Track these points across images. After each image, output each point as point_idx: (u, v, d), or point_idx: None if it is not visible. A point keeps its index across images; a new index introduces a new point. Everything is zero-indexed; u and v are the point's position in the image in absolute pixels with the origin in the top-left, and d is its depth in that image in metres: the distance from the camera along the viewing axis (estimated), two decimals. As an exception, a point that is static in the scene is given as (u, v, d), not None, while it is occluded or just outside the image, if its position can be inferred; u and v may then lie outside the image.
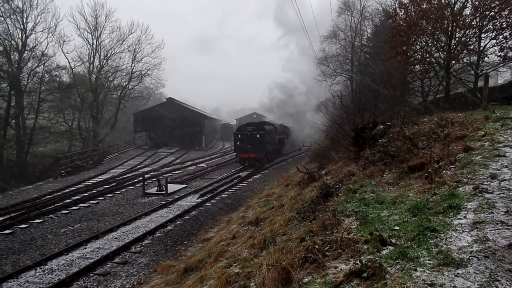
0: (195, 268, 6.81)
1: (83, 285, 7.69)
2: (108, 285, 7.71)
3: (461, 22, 14.41)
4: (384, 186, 5.88)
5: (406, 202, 4.64)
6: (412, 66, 16.79)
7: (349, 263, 3.22)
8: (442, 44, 15.70)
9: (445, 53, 15.50)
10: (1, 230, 11.55)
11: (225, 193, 17.04)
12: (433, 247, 3.12)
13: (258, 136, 25.23)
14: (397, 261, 2.99)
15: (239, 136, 25.79)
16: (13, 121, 28.34)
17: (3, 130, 26.85)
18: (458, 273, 2.67)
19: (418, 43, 16.54)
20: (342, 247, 3.61)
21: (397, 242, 3.42)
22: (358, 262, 3.05)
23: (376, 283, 2.71)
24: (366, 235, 3.73)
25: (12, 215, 13.40)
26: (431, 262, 2.87)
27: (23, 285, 7.68)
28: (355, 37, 32.45)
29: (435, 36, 15.69)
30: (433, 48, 16.26)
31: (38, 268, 8.47)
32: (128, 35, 39.86)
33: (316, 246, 3.70)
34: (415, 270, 2.77)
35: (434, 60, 16.17)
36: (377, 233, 3.58)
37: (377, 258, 3.08)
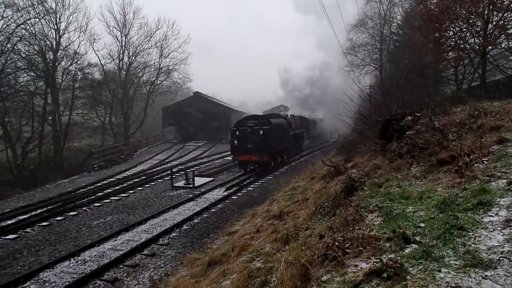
0: (219, 262, 6.88)
1: (114, 275, 7.97)
2: (137, 277, 7.95)
3: (499, 5, 13.55)
4: (410, 180, 5.66)
5: (434, 198, 4.44)
6: (445, 54, 16.02)
7: (370, 262, 3.12)
8: (478, 29, 14.86)
9: (481, 39, 14.67)
10: (39, 222, 12.17)
11: (251, 186, 17.09)
12: (460, 246, 2.96)
13: (261, 132, 19.04)
14: (420, 261, 2.86)
15: (237, 133, 19.71)
16: (50, 117, 29.69)
17: (41, 127, 28.20)
18: (486, 275, 2.51)
19: (451, 28, 15.75)
20: (363, 244, 3.51)
21: (422, 241, 3.28)
22: (378, 261, 2.95)
23: (397, 284, 2.60)
24: (389, 232, 3.60)
25: (49, 207, 14.10)
26: (457, 263, 2.73)
27: (58, 275, 8.06)
28: (384, 25, 31.37)
29: (470, 21, 14.86)
30: (468, 34, 15.43)
31: (72, 259, 8.86)
32: (155, 31, 40.57)
33: (336, 243, 3.61)
34: (439, 271, 2.63)
35: (468, 46, 15.35)
36: (401, 230, 3.45)
37: (399, 257, 2.96)
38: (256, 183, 17.63)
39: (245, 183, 17.40)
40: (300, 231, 5.97)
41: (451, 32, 15.86)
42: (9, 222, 12.40)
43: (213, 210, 13.14)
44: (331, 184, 9.39)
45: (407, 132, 8.38)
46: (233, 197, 15.05)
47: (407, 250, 3.16)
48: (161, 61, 41.17)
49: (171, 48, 41.43)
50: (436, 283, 2.47)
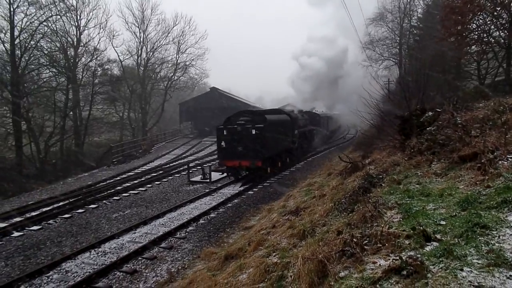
0: (235, 256, 6.93)
1: (133, 267, 8.14)
2: (155, 269, 8.10)
3: (526, -4, 13.04)
4: (431, 177, 5.54)
5: (455, 195, 4.34)
6: (468, 47, 15.56)
7: (389, 259, 3.08)
8: (503, 22, 14.34)
9: (506, 32, 14.16)
10: (61, 214, 12.54)
11: (267, 181, 17.10)
12: (483, 245, 2.89)
13: (253, 131, 15.60)
14: (441, 259, 2.80)
15: (225, 132, 16.19)
16: (71, 112, 30.42)
17: (62, 121, 28.93)
18: (510, 275, 2.44)
19: (475, 21, 15.26)
20: (382, 241, 3.46)
21: (442, 239, 3.21)
22: (398, 258, 2.91)
23: (417, 282, 2.56)
24: (408, 230, 3.54)
25: (71, 200, 14.50)
26: (480, 262, 2.66)
27: (79, 265, 8.30)
28: (403, 18, 30.64)
29: (495, 13, 14.36)
30: (492, 27, 14.93)
31: (93, 250, 9.11)
32: (173, 27, 40.98)
33: (354, 240, 3.58)
34: (461, 270, 2.58)
35: (493, 40, 14.85)
36: (421, 227, 3.38)
37: (419, 255, 2.91)
38: (272, 179, 17.62)
39: (261, 178, 17.39)
40: (316, 227, 5.94)
41: (474, 25, 15.38)
42: (33, 213, 12.82)
43: (229, 204, 13.23)
44: (349, 181, 9.31)
45: (427, 128, 8.19)
46: (249, 192, 15.10)
47: (428, 248, 3.11)
48: (178, 56, 41.58)
49: (188, 44, 41.76)
50: (458, 282, 2.41)
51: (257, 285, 4.69)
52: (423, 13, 29.16)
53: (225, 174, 17.70)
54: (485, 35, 15.01)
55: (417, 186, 5.28)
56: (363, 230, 3.90)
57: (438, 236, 3.27)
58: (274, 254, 5.66)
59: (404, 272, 2.70)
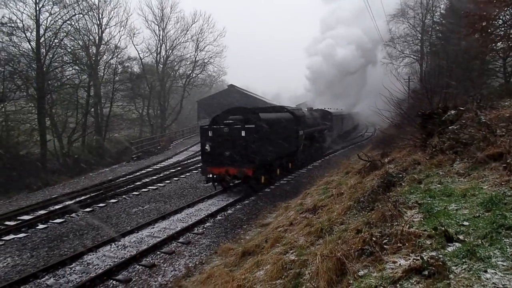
0: (252, 252, 6.97)
1: (151, 261, 8.30)
2: (173, 263, 8.23)
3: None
4: (453, 176, 5.42)
5: (479, 196, 4.23)
6: (493, 44, 15.06)
7: (409, 259, 3.04)
8: (531, 17, 13.82)
9: (534, 27, 13.64)
10: (83, 208, 12.89)
11: (284, 179, 17.07)
12: (507, 247, 2.82)
13: (243, 133, 13.12)
14: (463, 260, 2.75)
15: (210, 133, 13.75)
16: (92, 109, 31.17)
17: (84, 118, 29.69)
18: (537, 278, 2.37)
19: (501, 17, 14.75)
20: (402, 241, 3.41)
21: (465, 239, 3.14)
22: (419, 258, 2.87)
23: (439, 283, 2.52)
24: (429, 230, 3.48)
25: (92, 194, 14.88)
26: (504, 264, 2.59)
27: (100, 258, 8.52)
28: (426, 14, 29.91)
29: (522, 8, 13.85)
30: (519, 22, 14.40)
31: (113, 244, 9.33)
32: (192, 24, 41.38)
33: (373, 238, 3.55)
34: (485, 271, 2.52)
35: (520, 36, 14.33)
36: (443, 228, 3.32)
37: (441, 256, 2.86)
38: (288, 177, 17.59)
39: (278, 175, 17.36)
40: (334, 225, 5.91)
41: (500, 20, 14.87)
42: (56, 207, 13.22)
43: (246, 201, 13.29)
44: (367, 179, 9.20)
45: (449, 127, 8.00)
46: (266, 189, 15.11)
47: (450, 249, 3.05)
48: (197, 54, 41.95)
49: (207, 42, 42.06)
50: (482, 284, 2.37)
51: (274, 282, 4.71)
52: (446, 9, 28.39)
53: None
54: (511, 31, 14.49)
55: (439, 185, 5.18)
56: (383, 229, 3.86)
57: (461, 237, 3.20)
58: (291, 251, 5.67)
59: (426, 273, 2.66)
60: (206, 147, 13.87)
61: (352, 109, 38.99)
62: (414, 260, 2.89)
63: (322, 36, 37.29)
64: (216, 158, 13.65)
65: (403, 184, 6.24)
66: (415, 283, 2.67)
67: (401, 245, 3.36)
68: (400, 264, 3.04)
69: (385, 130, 18.92)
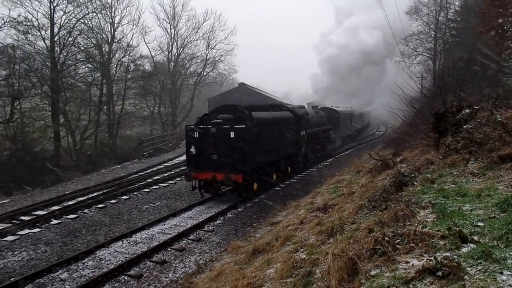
0: (262, 250, 6.98)
1: (162, 258, 8.38)
2: (184, 260, 8.30)
3: None
4: (467, 176, 5.33)
5: (494, 196, 4.15)
6: (509, 42, 14.74)
7: (422, 259, 3.01)
8: (549, 14, 13.48)
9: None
10: (96, 204, 13.08)
11: (294, 178, 17.04)
12: (525, 248, 2.76)
13: (232, 134, 11.77)
14: (478, 261, 2.70)
15: (196, 134, 12.44)
16: (105, 107, 31.56)
17: (97, 115, 30.08)
18: (555, 281, 2.32)
19: (518, 14, 14.41)
20: (415, 241, 3.38)
21: (480, 240, 3.09)
22: (432, 258, 2.83)
23: (453, 284, 2.48)
24: (443, 230, 3.44)
25: (104, 191, 15.08)
26: (521, 266, 2.54)
27: (112, 253, 8.64)
28: (439, 12, 29.46)
29: (541, 5, 13.51)
30: (537, 19, 14.06)
31: (125, 240, 9.45)
32: (203, 22, 41.43)
33: (386, 238, 3.52)
34: (501, 273, 2.48)
35: (537, 33, 13.99)
36: (457, 228, 3.27)
37: (455, 256, 2.82)
38: (299, 176, 17.54)
39: (288, 174, 17.34)
40: (345, 224, 5.88)
41: (517, 17, 14.52)
42: (70, 203, 13.44)
43: (256, 200, 13.30)
44: (378, 179, 9.13)
45: (464, 126, 7.88)
46: (275, 188, 15.10)
47: (464, 250, 3.01)
48: (208, 52, 42.06)
49: (217, 40, 42.13)
50: (498, 286, 2.32)
51: (284, 280, 4.71)
52: (461, 5, 27.91)
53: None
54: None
55: (453, 185, 5.10)
56: (395, 229, 3.83)
57: (476, 238, 3.15)
58: (301, 250, 5.66)
59: (439, 273, 2.63)
60: (191, 150, 12.54)
61: (364, 107, 38.44)
62: (428, 261, 2.86)
63: (337, 24, 36.02)
64: (203, 162, 12.40)
65: (415, 183, 6.17)
66: (428, 283, 2.64)
67: (414, 245, 3.32)
68: (413, 264, 3.00)
69: (397, 129, 18.72)
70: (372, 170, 10.63)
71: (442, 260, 2.72)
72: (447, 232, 3.33)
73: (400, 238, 3.53)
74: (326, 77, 30.61)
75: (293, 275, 4.74)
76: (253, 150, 12.04)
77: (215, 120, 12.37)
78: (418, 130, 12.24)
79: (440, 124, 8.93)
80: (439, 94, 11.31)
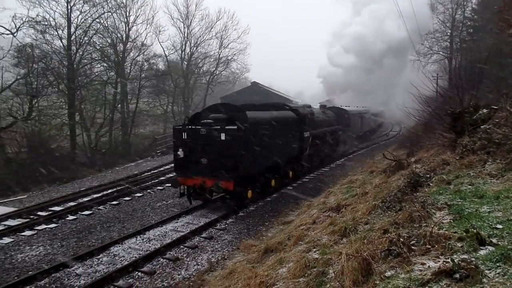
0: (275, 250, 6.98)
1: (175, 255, 8.47)
2: (196, 258, 8.36)
3: None
4: (485, 178, 5.23)
5: (513, 198, 4.06)
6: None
7: (439, 261, 2.96)
8: None
9: None
10: (110, 201, 13.28)
11: (307, 177, 16.98)
12: (545, 252, 2.69)
13: (223, 136, 10.71)
14: (498, 264, 2.65)
15: (185, 135, 11.39)
16: (119, 105, 31.98)
17: (111, 114, 30.50)
18: None
19: (539, 11, 14.00)
20: (431, 242, 3.33)
21: (499, 243, 3.03)
22: (449, 260, 2.79)
23: (471, 286, 2.44)
24: (460, 232, 3.38)
25: (118, 188, 15.30)
26: (542, 270, 2.48)
27: (126, 250, 8.77)
28: (456, 10, 28.90)
29: None
30: (559, 17, 13.61)
31: (138, 237, 9.57)
32: (216, 22, 41.48)
33: (401, 239, 3.47)
34: (521, 276, 2.42)
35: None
36: (474, 230, 3.21)
37: (473, 259, 2.77)
38: (311, 175, 17.46)
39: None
40: (359, 225, 5.83)
41: (538, 15, 14.11)
42: (85, 199, 13.69)
43: (268, 199, 13.30)
44: (393, 179, 9.02)
45: (481, 126, 7.72)
46: (288, 187, 15.07)
47: (482, 252, 2.95)
48: (221, 51, 42.16)
49: (231, 39, 42.20)
50: (518, 289, 2.28)
51: (297, 280, 4.70)
52: (478, 3, 27.32)
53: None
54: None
55: (470, 187, 5.01)
56: (411, 230, 3.78)
57: (494, 240, 3.09)
58: (314, 250, 5.64)
59: (457, 276, 2.59)
60: (179, 153, 11.38)
61: (377, 107, 37.77)
62: (444, 263, 2.81)
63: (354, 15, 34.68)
64: (191, 167, 11.31)
65: (431, 184, 6.08)
66: (445, 286, 2.60)
67: (430, 246, 3.27)
68: (429, 266, 2.96)
69: (411, 129, 18.46)
70: (386, 170, 10.51)
71: (460, 262, 2.67)
72: (464, 234, 3.28)
73: (415, 239, 3.48)
74: (337, 73, 29.35)
75: (306, 275, 4.72)
76: (247, 153, 10.94)
77: (205, 120, 11.40)
78: (433, 130, 12.04)
79: (456, 124, 8.77)
80: (455, 94, 11.10)
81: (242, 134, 10.70)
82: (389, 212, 5.53)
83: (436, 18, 29.92)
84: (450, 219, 3.91)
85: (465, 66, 16.20)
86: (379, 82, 32.18)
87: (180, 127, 11.63)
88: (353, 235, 5.18)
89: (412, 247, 3.36)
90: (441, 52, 31.19)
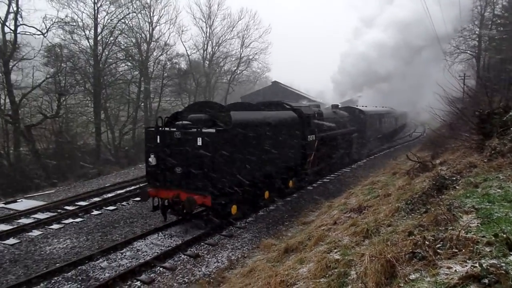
0: (295, 249, 6.97)
1: (195, 251, 8.59)
2: (216, 255, 8.45)
3: None
4: (516, 181, 5.04)
5: (546, 203, 3.91)
6: None
7: (466, 266, 2.89)
8: None
9: None
10: (133, 197, 13.60)
11: (327, 177, 16.83)
12: None
13: (199, 142, 8.94)
14: (529, 270, 2.56)
15: (158, 139, 9.70)
16: (142, 104, 32.67)
17: (135, 112, 31.21)
18: None
19: None
20: (458, 246, 3.25)
21: (531, 249, 2.92)
22: (477, 265, 2.72)
23: (500, 292, 2.37)
24: (489, 236, 3.28)
25: (141, 185, 15.63)
26: None
27: (149, 245, 8.97)
28: (485, 7, 27.90)
29: None
30: None
31: (160, 233, 9.76)
32: (238, 21, 41.70)
33: (426, 242, 3.41)
34: (554, 284, 2.34)
35: None
36: (504, 235, 3.11)
37: (503, 264, 2.69)
38: (331, 175, 17.30)
39: (320, 174, 17.15)
40: (381, 226, 5.75)
41: None
42: (109, 195, 14.07)
43: (288, 199, 13.27)
44: (417, 181, 8.84)
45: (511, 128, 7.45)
46: (308, 187, 14.99)
47: (512, 258, 2.86)
48: (242, 51, 42.35)
49: (252, 38, 42.32)
50: (551, 297, 2.20)
51: (318, 280, 4.68)
52: (509, 1, 26.31)
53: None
54: None
55: (499, 190, 4.84)
56: (436, 233, 3.69)
57: (525, 246, 2.98)
58: (335, 250, 5.59)
59: (485, 281, 2.52)
60: (150, 159, 9.69)
61: (400, 107, 36.91)
62: (472, 267, 2.74)
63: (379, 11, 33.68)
64: (164, 177, 9.66)
65: (457, 187, 5.92)
66: (473, 291, 2.54)
67: (456, 250, 3.19)
68: (456, 270, 2.89)
69: (436, 130, 17.98)
70: (410, 172, 10.30)
71: (489, 267, 2.60)
72: (493, 238, 3.18)
73: (441, 242, 3.41)
74: (361, 66, 28.26)
75: (327, 275, 4.69)
76: (229, 162, 9.24)
77: (181, 122, 9.71)
78: (459, 132, 11.72)
79: (485, 126, 8.49)
80: (484, 94, 10.74)
81: (223, 139, 9.02)
82: (413, 214, 5.42)
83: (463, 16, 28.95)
84: (478, 223, 3.80)
85: (495, 65, 15.62)
86: (407, 80, 31.12)
87: (153, 129, 9.98)
88: (375, 237, 5.11)
89: (438, 250, 3.29)
90: (468, 51, 30.19)
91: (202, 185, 9.03)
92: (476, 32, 28.97)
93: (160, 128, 9.82)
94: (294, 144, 12.81)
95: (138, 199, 12.97)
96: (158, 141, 9.67)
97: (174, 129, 9.50)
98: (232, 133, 9.34)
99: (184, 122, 9.67)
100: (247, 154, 9.95)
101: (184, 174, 9.29)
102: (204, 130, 8.99)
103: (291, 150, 12.56)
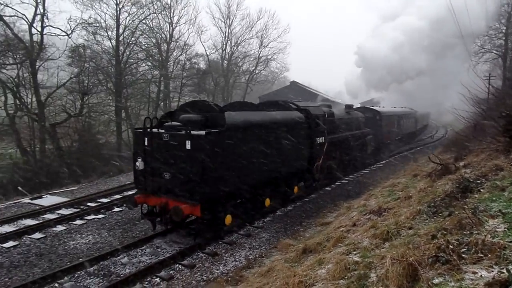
0: (313, 250, 6.93)
1: (214, 250, 8.66)
2: (234, 254, 8.50)
3: None
4: (545, 186, 4.87)
5: None
6: None
7: (492, 271, 2.82)
8: None
9: None
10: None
11: (345, 179, 16.65)
12: None
13: (188, 145, 8.07)
14: (560, 278, 2.48)
15: (146, 141, 8.89)
16: (162, 103, 33.19)
17: (155, 111, 31.73)
18: None
19: None
20: (484, 251, 3.17)
21: (562, 256, 2.82)
22: (505, 271, 2.64)
23: (529, 299, 2.31)
24: (517, 242, 3.19)
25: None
26: None
27: (168, 242, 9.10)
28: (513, 5, 26.94)
29: None
30: None
31: (180, 231, 9.86)
32: (256, 21, 41.86)
33: (450, 246, 3.34)
34: None
35: None
36: (533, 241, 3.02)
37: (532, 271, 2.60)
38: (350, 176, 17.11)
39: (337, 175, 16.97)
40: (402, 229, 5.65)
41: None
42: (130, 192, 14.32)
43: (306, 199, 13.20)
44: (439, 183, 8.64)
45: (540, 130, 7.19)
46: (326, 188, 14.88)
47: (542, 264, 2.77)
48: (261, 50, 42.45)
49: (271, 38, 42.34)
50: None
51: (337, 282, 4.65)
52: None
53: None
54: None
55: (527, 194, 4.70)
56: (460, 237, 3.61)
57: (556, 253, 2.88)
58: (354, 252, 5.54)
59: (513, 287, 2.45)
60: (137, 163, 9.05)
61: (421, 108, 35.93)
62: (499, 273, 2.67)
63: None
64: (152, 182, 8.96)
65: (482, 190, 5.77)
66: (500, 297, 2.47)
67: (482, 255, 3.12)
68: (481, 275, 2.83)
69: (459, 131, 17.52)
70: (432, 174, 10.07)
71: (517, 273, 2.53)
72: (521, 244, 3.09)
73: (466, 247, 3.33)
74: (379, 71, 27.59)
75: (346, 277, 4.66)
76: (222, 168, 8.41)
77: (170, 123, 9.05)
78: (484, 134, 11.38)
79: (511, 127, 8.24)
80: (511, 94, 10.40)
81: (214, 142, 8.15)
82: (435, 217, 5.31)
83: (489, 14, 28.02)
84: (505, 228, 3.69)
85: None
86: (434, 79, 30.26)
87: (141, 130, 9.15)
88: (396, 240, 5.04)
89: (463, 254, 3.22)
90: (494, 51, 29.28)
91: (191, 193, 8.22)
92: (503, 30, 28.08)
93: (148, 130, 8.97)
94: (300, 147, 11.77)
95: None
96: (146, 143, 8.91)
97: (163, 131, 8.77)
98: (225, 136, 8.46)
99: (174, 123, 8.94)
100: (243, 159, 9.09)
101: (172, 180, 8.54)
102: (193, 132, 8.14)
103: (295, 153, 11.55)
